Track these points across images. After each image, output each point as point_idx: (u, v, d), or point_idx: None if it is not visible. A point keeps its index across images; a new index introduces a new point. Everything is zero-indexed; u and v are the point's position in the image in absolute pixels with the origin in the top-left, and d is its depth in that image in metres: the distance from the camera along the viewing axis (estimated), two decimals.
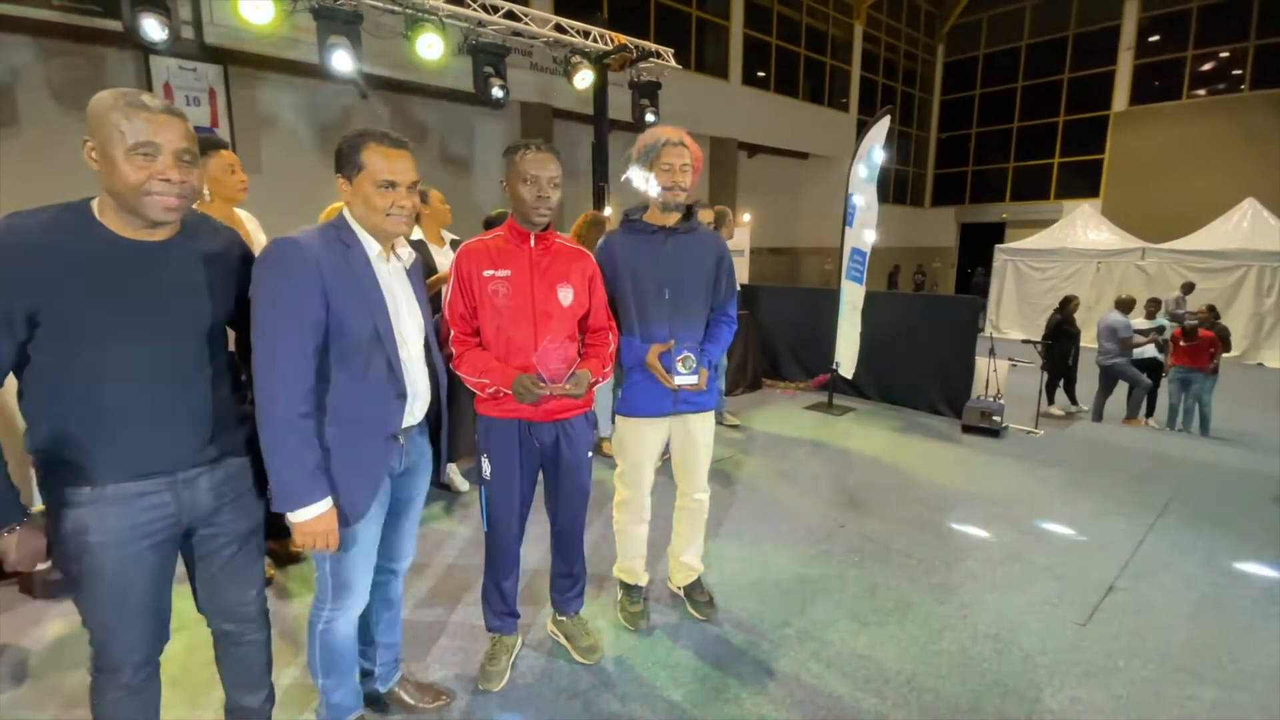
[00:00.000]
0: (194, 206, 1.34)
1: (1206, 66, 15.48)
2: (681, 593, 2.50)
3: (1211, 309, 7.09)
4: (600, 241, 2.22)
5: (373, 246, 1.51)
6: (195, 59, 6.71)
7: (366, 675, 1.86)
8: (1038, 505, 3.57)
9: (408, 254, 1.61)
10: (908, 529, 3.23)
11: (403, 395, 1.54)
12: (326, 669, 1.65)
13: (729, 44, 13.37)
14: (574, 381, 1.82)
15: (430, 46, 5.99)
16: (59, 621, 2.34)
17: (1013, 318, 12.93)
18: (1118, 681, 2.13)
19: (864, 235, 5.17)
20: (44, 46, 6.48)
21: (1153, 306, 7.30)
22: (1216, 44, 15.22)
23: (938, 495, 3.70)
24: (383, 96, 8.84)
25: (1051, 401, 7.11)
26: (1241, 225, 10.99)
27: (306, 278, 1.37)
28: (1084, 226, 12.58)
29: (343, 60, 5.39)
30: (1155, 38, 16.16)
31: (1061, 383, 7.21)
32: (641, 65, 7.64)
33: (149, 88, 6.37)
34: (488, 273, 1.82)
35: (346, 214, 1.51)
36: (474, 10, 6.20)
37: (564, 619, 2.23)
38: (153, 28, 4.67)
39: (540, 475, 2.03)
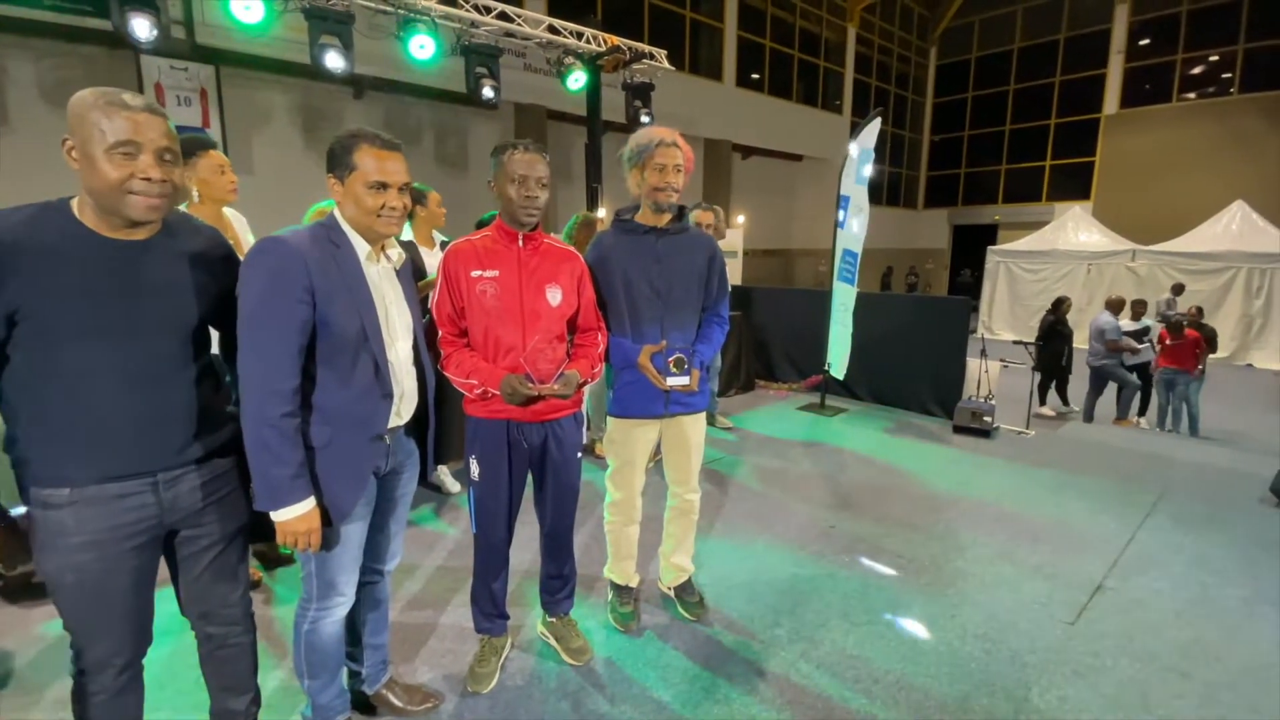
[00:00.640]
0: (184, 207, 1.33)
1: (1196, 70, 15.63)
2: (672, 593, 2.50)
3: (1198, 310, 7.14)
4: (592, 241, 2.21)
5: (362, 247, 1.50)
6: (186, 59, 6.69)
7: (354, 677, 1.85)
8: (1028, 505, 3.59)
9: (397, 255, 1.61)
10: (899, 529, 3.24)
11: (389, 395, 1.54)
12: (313, 670, 1.64)
13: (723, 46, 13.41)
14: (562, 382, 1.81)
15: (422, 47, 5.99)
16: (43, 624, 2.32)
17: (1005, 319, 13.00)
18: (1106, 680, 2.13)
19: (855, 237, 5.19)
20: (34, 46, 6.44)
21: (1139, 308, 7.35)
22: (1206, 48, 15.37)
23: (929, 496, 3.71)
24: (375, 97, 8.82)
25: (1043, 402, 7.16)
26: (1231, 227, 11.09)
27: (293, 277, 1.37)
28: (1075, 228, 12.66)
29: (335, 61, 5.37)
30: (1145, 41, 16.30)
31: (1054, 384, 7.26)
32: (635, 67, 7.66)
33: (140, 88, 6.34)
34: (475, 273, 1.81)
35: (337, 214, 1.51)
36: (467, 11, 6.20)
37: (554, 620, 2.23)
38: (141, 27, 4.66)
39: (530, 476, 2.03)
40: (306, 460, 1.42)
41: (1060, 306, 7.24)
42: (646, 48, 7.60)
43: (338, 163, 1.45)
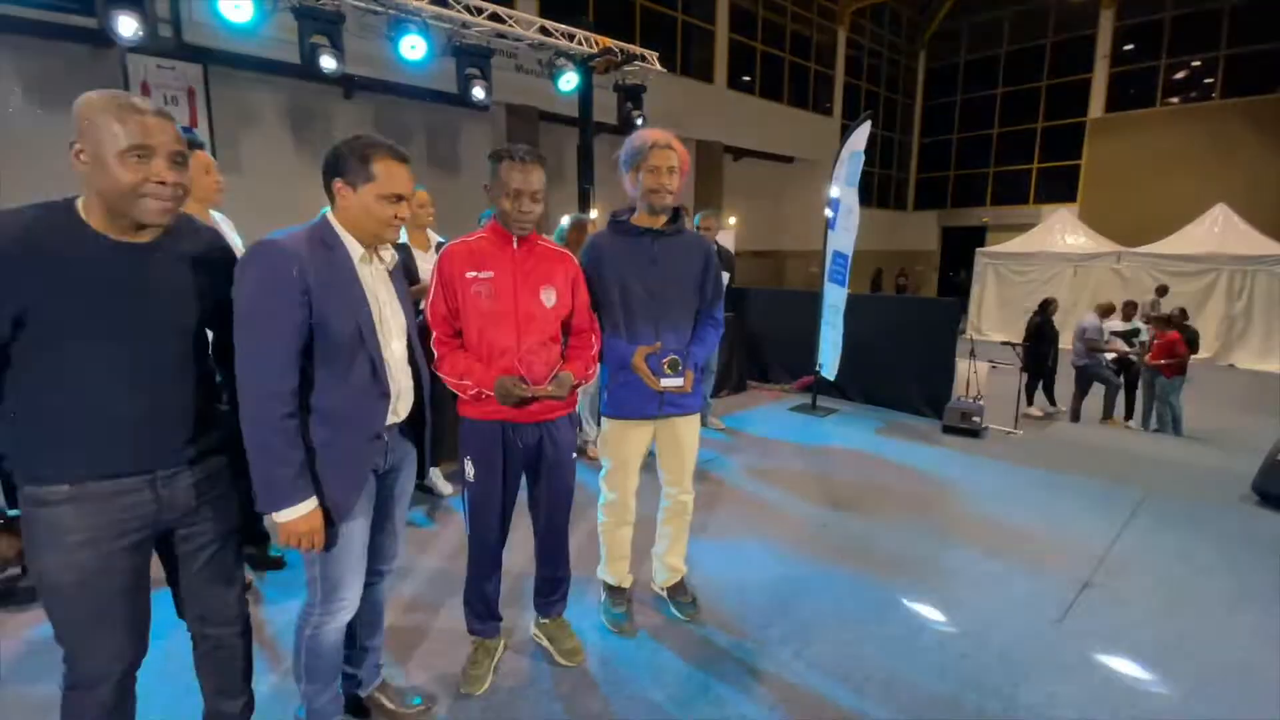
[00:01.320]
0: None
1: (1179, 75, 15.82)
2: (665, 594, 2.51)
3: (1182, 311, 7.25)
4: (586, 242, 2.22)
5: (356, 249, 1.51)
6: (174, 57, 6.62)
7: (348, 679, 1.84)
8: (1016, 504, 3.63)
9: (390, 256, 1.61)
10: (889, 529, 3.27)
11: (386, 395, 1.55)
12: (311, 675, 1.63)
13: (714, 48, 13.44)
14: (556, 383, 1.82)
15: (414, 48, 5.97)
16: (27, 629, 2.28)
17: (993, 320, 13.13)
18: (1093, 676, 2.17)
19: (846, 238, 5.22)
20: (17, 43, 6.34)
21: (1130, 309, 7.45)
22: (1189, 53, 15.57)
23: (919, 495, 3.74)
24: (366, 97, 8.77)
25: (1031, 402, 7.23)
26: (1213, 230, 11.26)
27: (289, 280, 1.37)
28: (1062, 231, 12.83)
29: (325, 61, 5.35)
30: (1130, 46, 16.49)
31: (1041, 384, 7.34)
32: (627, 68, 7.67)
33: (125, 86, 6.27)
34: (470, 274, 1.81)
35: (330, 216, 1.51)
36: (458, 12, 6.19)
37: (547, 621, 2.23)
38: (127, 26, 4.60)
39: (524, 477, 2.03)
40: (307, 460, 1.43)
41: (1047, 308, 7.32)
42: (638, 49, 7.61)
43: (350, 169, 1.45)
